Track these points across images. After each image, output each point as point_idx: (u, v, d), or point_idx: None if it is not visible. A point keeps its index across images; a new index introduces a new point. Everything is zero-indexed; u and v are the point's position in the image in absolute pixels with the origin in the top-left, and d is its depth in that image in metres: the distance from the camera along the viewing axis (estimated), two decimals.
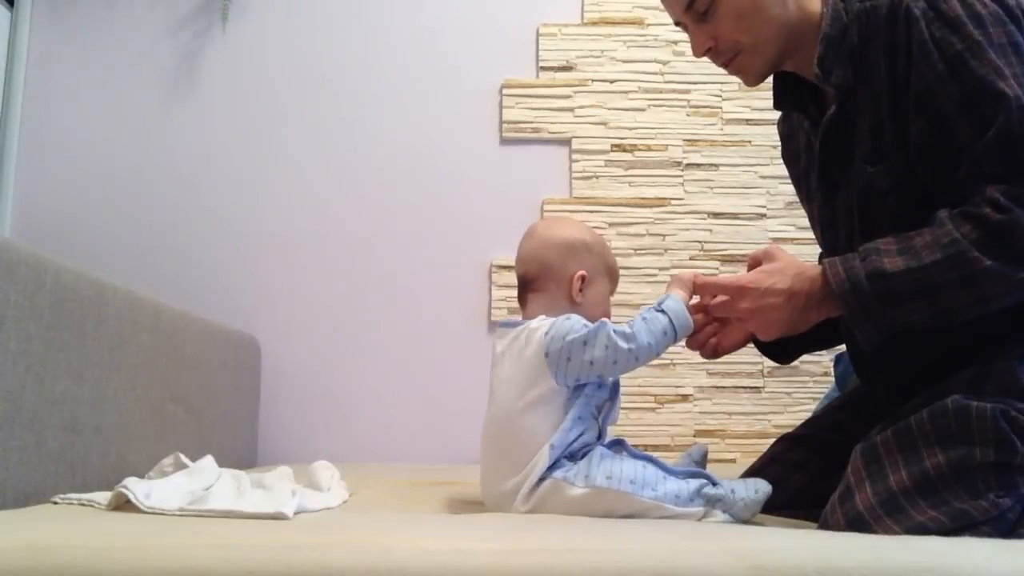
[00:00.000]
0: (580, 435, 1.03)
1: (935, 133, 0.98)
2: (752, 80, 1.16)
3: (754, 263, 1.09)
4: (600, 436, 1.07)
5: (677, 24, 1.16)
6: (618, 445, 1.07)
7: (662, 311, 1.05)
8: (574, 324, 1.04)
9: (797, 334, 1.06)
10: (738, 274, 1.08)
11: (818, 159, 1.14)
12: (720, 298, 1.07)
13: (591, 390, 1.05)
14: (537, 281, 1.14)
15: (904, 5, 1.00)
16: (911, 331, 0.99)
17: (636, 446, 1.09)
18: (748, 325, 1.08)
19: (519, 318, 1.13)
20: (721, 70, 1.16)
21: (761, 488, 1.01)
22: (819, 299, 1.01)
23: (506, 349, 1.09)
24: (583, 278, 1.12)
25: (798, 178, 1.29)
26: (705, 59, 1.14)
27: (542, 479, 1.01)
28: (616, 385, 1.10)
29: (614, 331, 1.02)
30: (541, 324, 1.06)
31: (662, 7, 1.16)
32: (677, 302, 1.06)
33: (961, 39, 0.96)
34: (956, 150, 0.97)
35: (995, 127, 0.93)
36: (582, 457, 1.02)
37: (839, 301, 0.99)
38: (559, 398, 1.04)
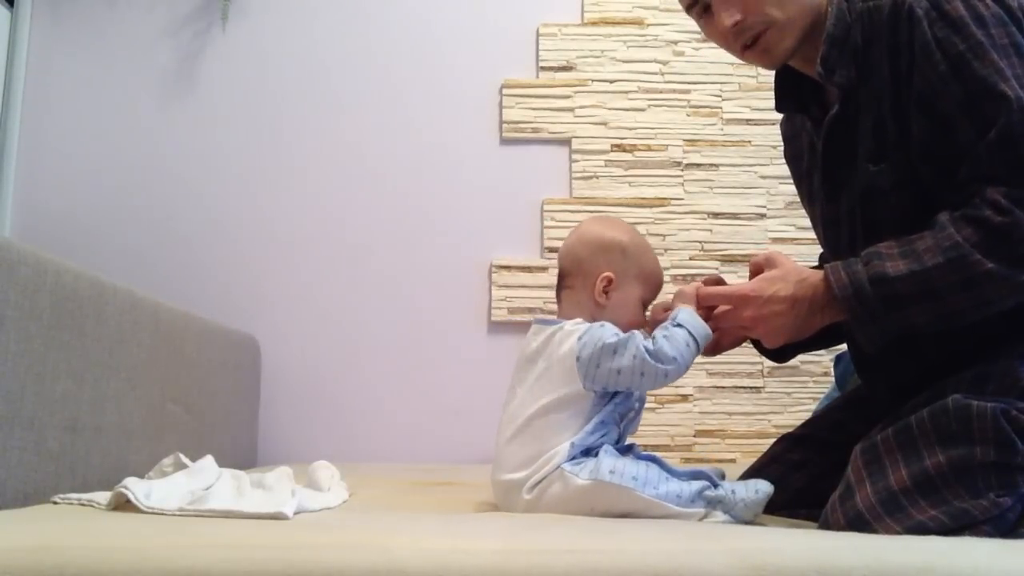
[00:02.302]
0: (601, 437, 1.04)
1: (937, 133, 0.98)
2: (774, 61, 1.12)
3: (756, 270, 1.08)
4: (619, 442, 1.07)
5: (691, 7, 1.11)
6: (627, 449, 1.08)
7: (679, 325, 1.05)
8: (606, 332, 1.04)
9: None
10: (740, 283, 1.07)
11: (821, 158, 1.13)
12: (723, 308, 1.07)
13: (620, 399, 1.06)
14: (568, 278, 1.14)
15: (907, 5, 1.00)
16: (913, 333, 0.99)
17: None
18: (753, 333, 1.08)
19: (555, 317, 1.12)
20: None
21: (762, 488, 1.01)
22: (822, 304, 1.01)
23: (541, 347, 1.08)
24: (609, 280, 1.10)
25: (800, 178, 1.29)
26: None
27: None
28: (643, 398, 1.10)
29: (643, 345, 1.02)
30: (576, 328, 1.06)
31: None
32: (690, 314, 1.06)
33: (963, 39, 0.96)
34: (957, 150, 0.97)
35: (996, 128, 0.93)
36: (594, 456, 1.03)
37: (842, 306, 0.98)
38: (585, 402, 1.04)
